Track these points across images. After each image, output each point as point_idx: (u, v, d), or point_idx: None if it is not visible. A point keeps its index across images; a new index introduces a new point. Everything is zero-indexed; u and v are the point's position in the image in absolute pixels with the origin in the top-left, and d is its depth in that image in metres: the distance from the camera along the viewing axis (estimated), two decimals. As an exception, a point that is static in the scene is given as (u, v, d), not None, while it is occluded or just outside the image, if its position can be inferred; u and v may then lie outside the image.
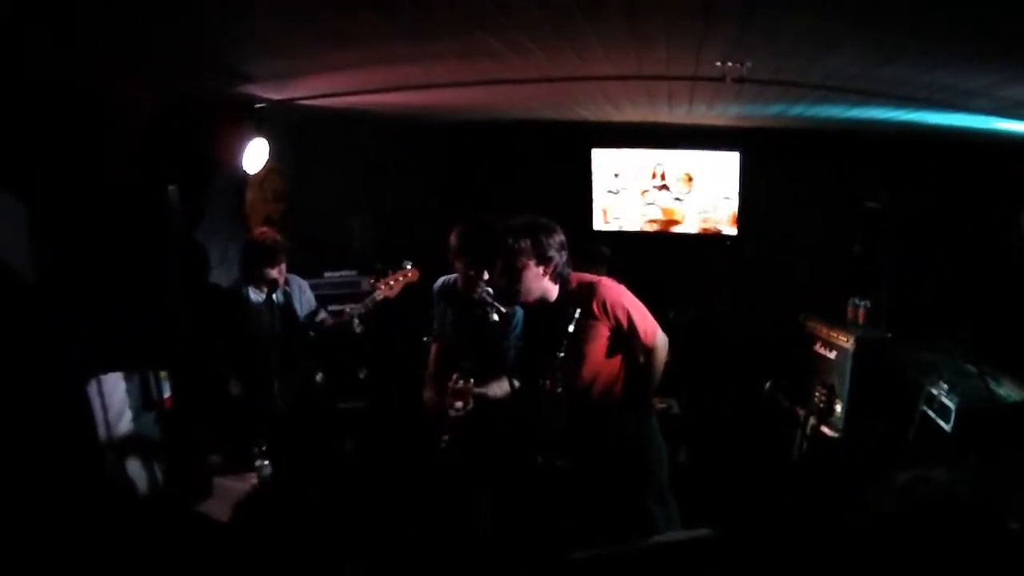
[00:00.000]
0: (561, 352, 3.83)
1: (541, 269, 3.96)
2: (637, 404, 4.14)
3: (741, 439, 6.24)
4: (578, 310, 3.84)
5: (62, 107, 3.88)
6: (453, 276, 4.52)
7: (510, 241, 3.92)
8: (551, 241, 3.98)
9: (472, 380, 4.19)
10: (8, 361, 3.66)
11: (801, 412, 5.72)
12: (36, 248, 3.90)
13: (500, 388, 4.18)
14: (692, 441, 5.98)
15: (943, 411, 4.63)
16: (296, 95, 4.71)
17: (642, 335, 4.00)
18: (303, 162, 6.46)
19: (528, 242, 3.93)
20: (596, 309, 3.93)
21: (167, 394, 4.50)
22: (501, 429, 4.26)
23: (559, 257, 4.00)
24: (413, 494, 5.06)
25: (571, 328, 3.81)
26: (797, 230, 7.18)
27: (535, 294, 4.03)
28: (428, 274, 5.10)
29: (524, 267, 3.94)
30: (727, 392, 6.66)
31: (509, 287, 3.98)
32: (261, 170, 5.13)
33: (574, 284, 4.07)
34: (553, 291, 4.05)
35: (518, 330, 4.41)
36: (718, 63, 3.63)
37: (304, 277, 5.45)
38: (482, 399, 4.22)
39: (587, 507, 4.00)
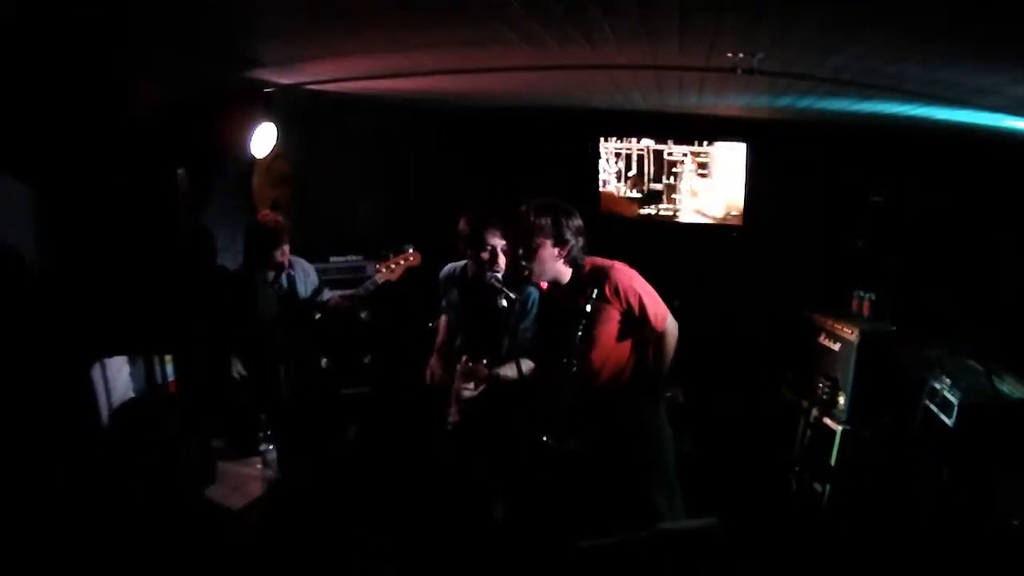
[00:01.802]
0: (580, 331, 3.84)
1: (556, 251, 3.98)
2: (646, 389, 4.16)
3: (745, 430, 6.26)
4: (595, 291, 3.85)
5: (70, 92, 3.87)
6: (460, 263, 4.50)
7: (531, 218, 3.95)
8: (570, 224, 4.00)
9: (484, 361, 4.20)
10: (14, 345, 3.67)
11: (805, 404, 5.73)
12: (44, 232, 3.90)
13: (510, 371, 4.19)
14: (697, 431, 6.00)
15: (945, 406, 4.63)
16: (305, 80, 4.70)
17: (653, 320, 4.01)
18: (309, 147, 6.45)
19: (548, 220, 3.96)
20: (608, 292, 3.93)
21: (171, 379, 4.50)
22: (510, 411, 4.25)
23: (575, 241, 4.02)
24: (419, 478, 5.08)
25: (589, 308, 3.82)
26: (802, 222, 7.17)
27: (547, 275, 4.05)
28: (432, 258, 5.10)
29: (540, 245, 3.97)
30: (732, 383, 6.67)
31: (522, 265, 4.00)
32: (268, 155, 5.13)
33: (587, 267, 4.08)
34: (566, 274, 4.07)
35: (534, 312, 4.38)
36: (729, 54, 3.63)
37: (310, 262, 5.45)
38: (495, 379, 4.22)
39: (594, 491, 4.02)
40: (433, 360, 4.54)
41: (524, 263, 3.99)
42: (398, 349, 6.42)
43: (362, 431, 5.98)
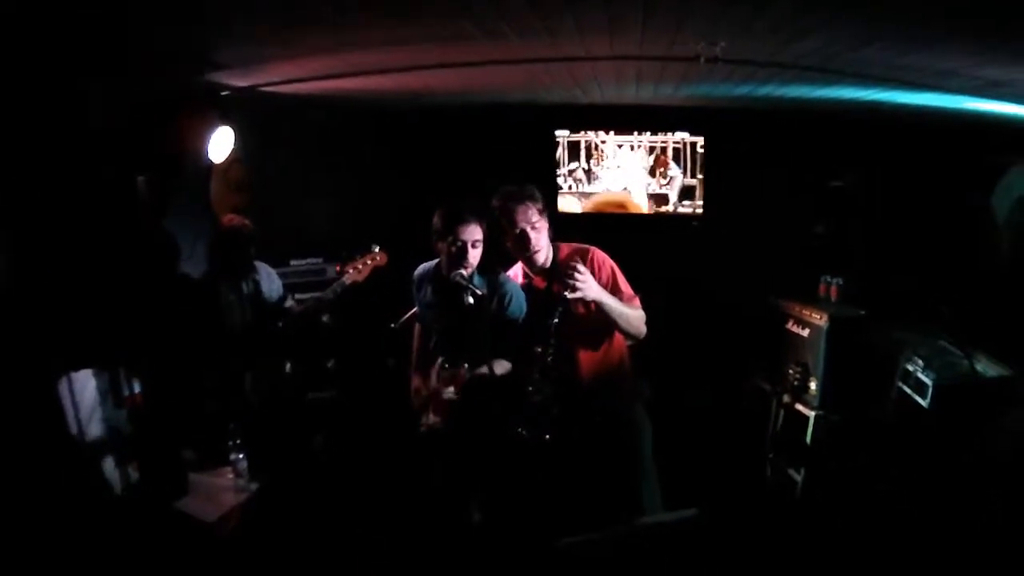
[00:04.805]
0: (556, 319, 3.81)
1: (547, 227, 4.08)
2: (628, 379, 4.26)
3: (718, 419, 6.25)
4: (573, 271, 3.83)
5: (26, 101, 3.78)
6: (434, 261, 4.42)
7: (527, 203, 4.00)
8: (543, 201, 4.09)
9: (465, 365, 4.13)
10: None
11: (776, 390, 5.74)
12: (4, 244, 3.82)
13: (487, 371, 4.14)
14: (665, 423, 5.98)
15: (920, 387, 4.66)
16: (262, 81, 4.64)
17: (625, 293, 4.05)
18: (267, 149, 6.37)
19: (536, 200, 4.03)
20: (587, 265, 3.92)
21: (138, 390, 4.42)
22: (485, 409, 4.19)
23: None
24: (393, 482, 5.03)
25: (568, 295, 3.80)
26: (765, 210, 7.16)
27: (546, 252, 4.11)
28: (395, 258, 5.06)
29: (542, 226, 4.05)
30: (702, 373, 6.67)
31: (528, 249, 4.04)
32: (225, 159, 5.05)
33: (565, 251, 4.14)
34: (550, 255, 4.13)
35: (517, 312, 4.25)
36: (692, 43, 3.62)
37: (270, 265, 5.37)
38: (472, 380, 4.16)
39: (574, 485, 4.00)
40: (414, 380, 4.45)
41: (531, 248, 4.04)
42: (361, 352, 6.36)
43: (329, 436, 5.91)
